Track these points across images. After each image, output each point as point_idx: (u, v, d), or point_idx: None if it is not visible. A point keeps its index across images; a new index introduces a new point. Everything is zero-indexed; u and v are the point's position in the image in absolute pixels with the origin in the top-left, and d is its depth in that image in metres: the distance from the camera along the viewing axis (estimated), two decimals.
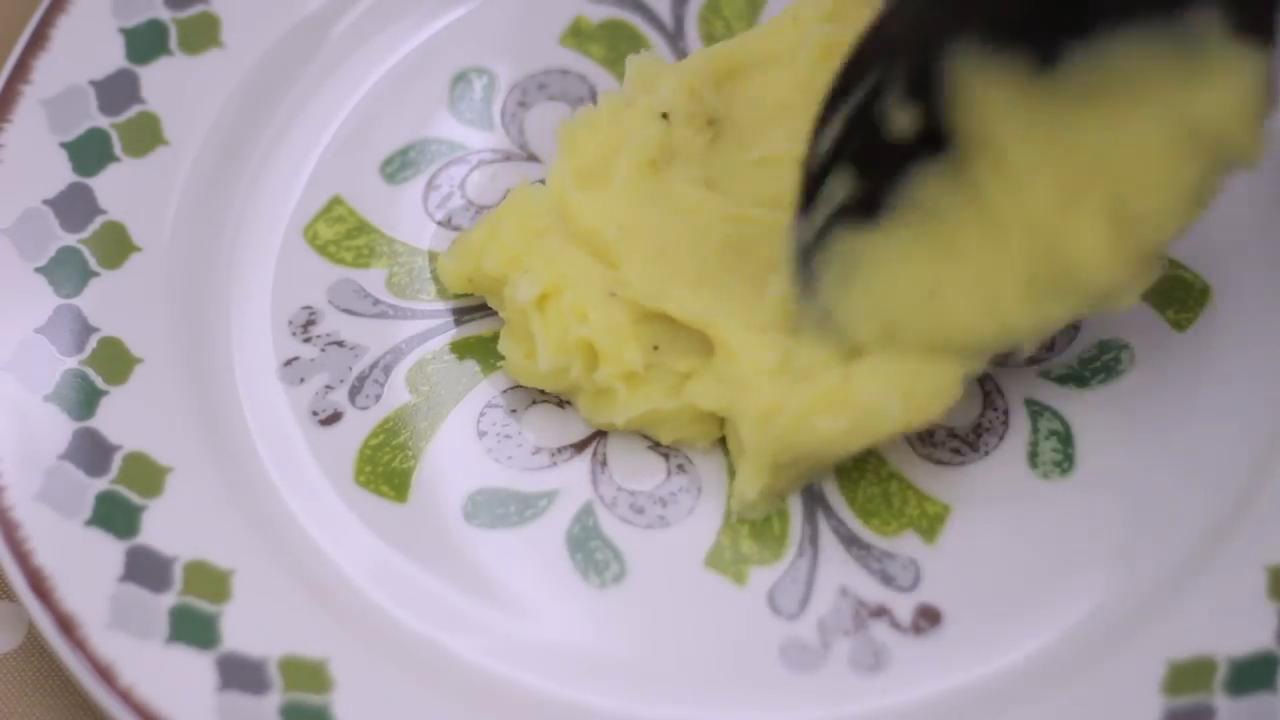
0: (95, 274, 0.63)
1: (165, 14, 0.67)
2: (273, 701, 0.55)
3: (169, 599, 0.57)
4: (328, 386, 0.63)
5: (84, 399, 0.60)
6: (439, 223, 0.66)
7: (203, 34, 0.67)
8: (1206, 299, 0.63)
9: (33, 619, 0.56)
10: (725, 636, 0.58)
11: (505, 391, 0.63)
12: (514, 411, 0.62)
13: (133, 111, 0.66)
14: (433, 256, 0.65)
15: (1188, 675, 0.55)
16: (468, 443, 0.62)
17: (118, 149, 0.65)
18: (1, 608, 0.61)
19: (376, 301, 0.64)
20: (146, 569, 0.57)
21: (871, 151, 0.56)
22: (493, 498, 0.61)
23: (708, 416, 0.61)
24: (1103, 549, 0.59)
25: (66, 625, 0.55)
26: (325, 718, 0.55)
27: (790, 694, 0.57)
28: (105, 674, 0.55)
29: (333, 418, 0.62)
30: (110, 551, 0.57)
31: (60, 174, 0.64)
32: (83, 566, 0.57)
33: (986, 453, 0.61)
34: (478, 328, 0.64)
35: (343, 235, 0.65)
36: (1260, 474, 0.60)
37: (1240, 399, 0.61)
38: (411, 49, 0.69)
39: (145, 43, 0.67)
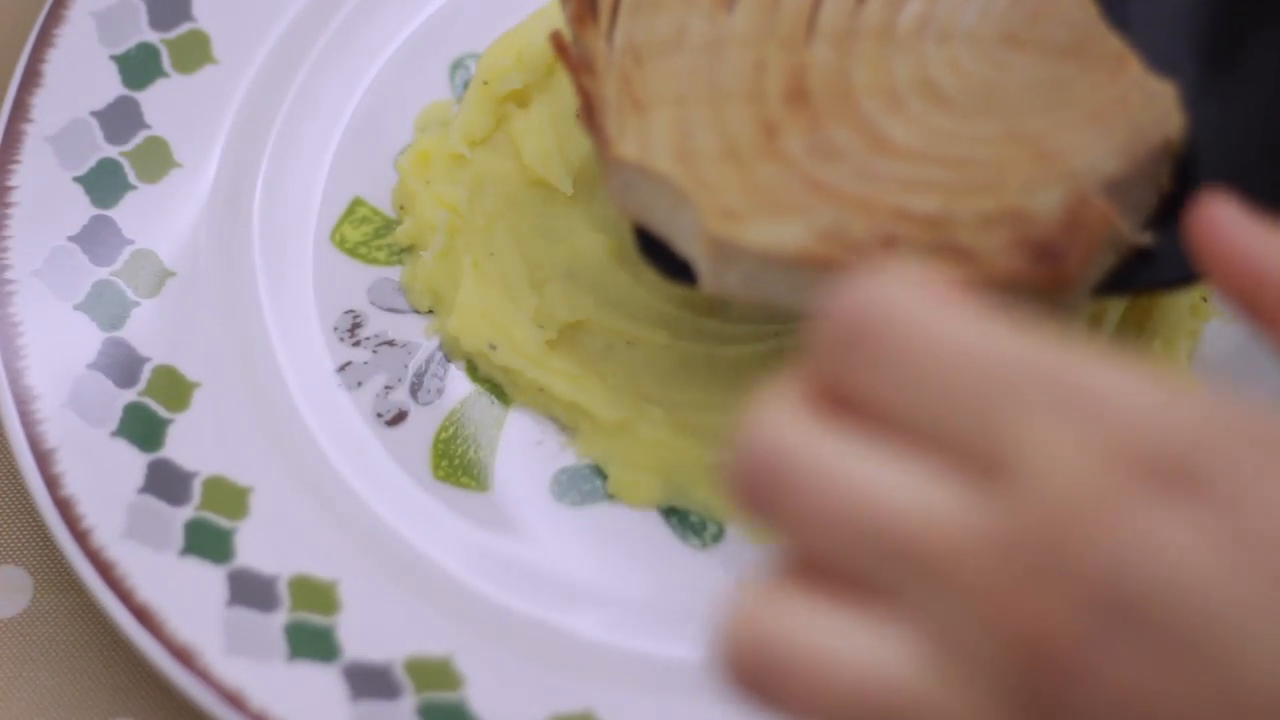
0: (135, 303, 0.63)
1: (154, 36, 0.67)
2: (408, 704, 0.56)
3: (280, 617, 0.58)
4: (387, 387, 0.63)
5: (148, 431, 0.61)
6: None
7: (195, 52, 0.67)
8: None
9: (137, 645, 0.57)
10: None
11: None
12: None
13: (140, 137, 0.66)
14: None
15: None
16: (540, 424, 0.62)
17: (132, 177, 0.65)
18: (6, 571, 0.62)
19: None
20: (250, 590, 0.58)
21: None
22: (576, 474, 0.61)
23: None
24: None
25: (184, 655, 0.57)
26: (462, 713, 0.56)
27: None
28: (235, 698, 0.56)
29: (398, 417, 0.62)
30: (212, 578, 0.58)
31: (80, 209, 0.64)
32: (187, 596, 0.58)
33: None
34: None
35: (370, 235, 0.66)
36: None
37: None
38: (407, 37, 0.69)
39: (139, 68, 0.67)
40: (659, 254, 0.57)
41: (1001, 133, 0.54)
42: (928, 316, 0.39)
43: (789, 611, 0.39)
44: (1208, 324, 0.62)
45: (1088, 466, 0.38)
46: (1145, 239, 0.54)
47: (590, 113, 0.56)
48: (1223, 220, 0.47)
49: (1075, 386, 0.39)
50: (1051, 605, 0.37)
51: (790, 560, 0.40)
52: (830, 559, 0.39)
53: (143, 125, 0.66)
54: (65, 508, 0.58)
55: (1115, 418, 0.38)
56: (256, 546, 0.59)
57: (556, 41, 0.57)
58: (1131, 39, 0.56)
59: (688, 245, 0.55)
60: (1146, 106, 0.54)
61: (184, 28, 0.67)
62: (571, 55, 0.57)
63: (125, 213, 0.64)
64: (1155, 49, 0.56)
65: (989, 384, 0.39)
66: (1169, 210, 0.54)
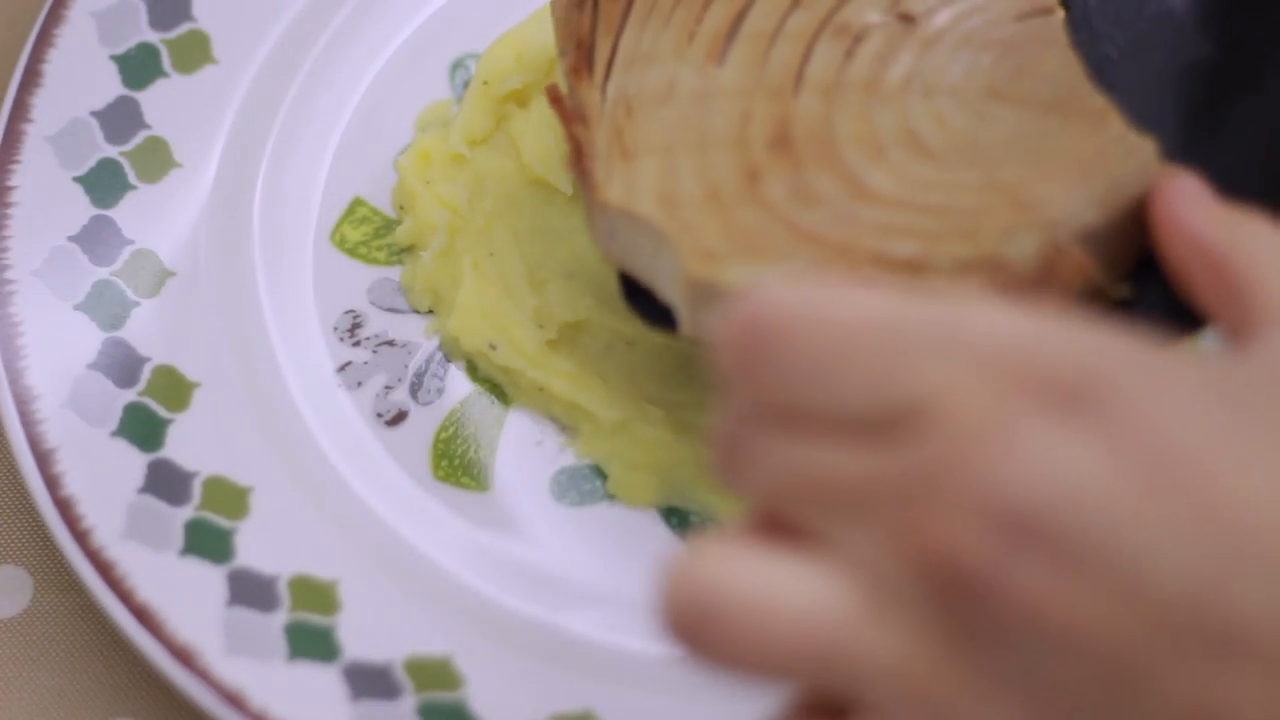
0: (135, 303, 0.63)
1: (154, 36, 0.67)
2: (408, 704, 0.56)
3: (280, 617, 0.58)
4: (387, 387, 0.63)
5: (148, 431, 0.61)
6: None
7: (195, 52, 0.67)
8: None
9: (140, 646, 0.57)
10: None
11: None
12: None
13: (140, 137, 0.66)
14: None
15: None
16: (540, 424, 0.62)
17: (132, 177, 0.65)
18: (6, 571, 0.62)
19: None
20: (251, 590, 0.58)
21: None
22: (576, 474, 0.62)
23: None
24: None
25: (185, 656, 0.57)
26: (462, 713, 0.56)
27: None
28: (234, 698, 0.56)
29: (398, 417, 0.62)
30: (212, 577, 0.58)
31: (80, 209, 0.64)
32: (187, 596, 0.58)
33: None
34: None
35: (370, 235, 0.66)
36: None
37: None
38: (407, 37, 0.69)
39: (139, 68, 0.67)
40: (643, 301, 0.57)
41: (981, 182, 0.55)
42: (804, 311, 0.42)
43: (726, 563, 0.41)
44: None
45: (980, 396, 0.40)
46: (1123, 291, 0.54)
47: (579, 160, 0.57)
48: (1181, 192, 0.51)
49: (958, 329, 0.41)
50: (956, 528, 0.39)
51: (749, 518, 0.43)
52: (778, 514, 0.42)
53: (143, 125, 0.66)
54: (65, 508, 0.58)
55: (1002, 351, 0.40)
56: (256, 546, 0.59)
57: (552, 93, 0.58)
58: (1118, 102, 0.57)
59: (668, 289, 0.56)
60: (1126, 160, 0.54)
61: (184, 28, 0.67)
62: (566, 106, 0.57)
63: (125, 213, 0.64)
64: (1141, 113, 0.57)
65: (876, 351, 0.41)
66: (1148, 266, 0.54)
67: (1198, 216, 0.50)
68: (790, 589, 0.41)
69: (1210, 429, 0.40)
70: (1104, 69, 0.58)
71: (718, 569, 0.41)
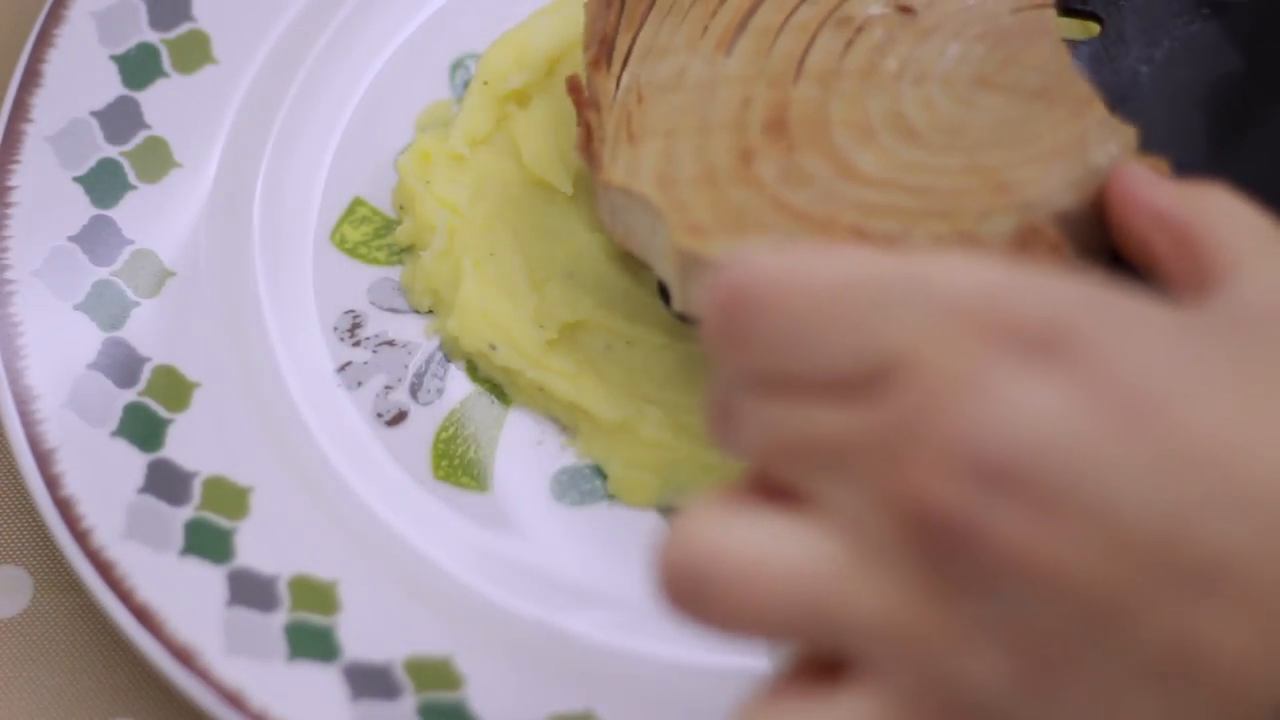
0: (135, 303, 0.63)
1: (154, 36, 0.67)
2: (408, 704, 0.56)
3: (280, 617, 0.58)
4: (387, 387, 0.63)
5: (148, 431, 0.61)
6: None
7: (195, 52, 0.67)
8: None
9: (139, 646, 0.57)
10: None
11: None
12: None
13: (140, 137, 0.66)
14: None
15: None
16: (540, 424, 0.63)
17: (132, 177, 0.65)
18: (5, 571, 0.62)
19: None
20: (251, 590, 0.58)
21: None
22: (576, 474, 0.62)
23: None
24: None
25: (184, 656, 0.57)
26: (462, 713, 0.56)
27: None
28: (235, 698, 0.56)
29: (398, 417, 0.62)
30: (212, 577, 0.58)
31: (80, 209, 0.64)
32: (187, 596, 0.58)
33: None
34: None
35: (370, 235, 0.66)
36: None
37: None
38: (407, 37, 0.69)
39: (139, 68, 0.67)
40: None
41: (963, 165, 0.56)
42: (780, 277, 0.42)
43: (718, 526, 0.42)
44: None
45: (953, 347, 0.40)
46: (1098, 273, 0.55)
47: (588, 142, 0.59)
48: (1137, 175, 0.52)
49: (930, 283, 0.42)
50: (933, 477, 0.40)
51: (742, 481, 0.43)
52: (770, 476, 0.43)
53: (143, 125, 0.66)
54: (65, 508, 0.58)
55: (974, 301, 0.41)
56: (256, 546, 0.59)
57: (571, 83, 0.60)
58: (1147, 116, 0.58)
59: (661, 265, 0.57)
60: (1104, 145, 0.55)
61: (184, 28, 0.67)
62: (583, 94, 0.59)
63: (125, 213, 0.64)
64: (1170, 126, 0.58)
65: (851, 310, 0.42)
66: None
67: (1157, 193, 0.51)
68: (779, 548, 0.41)
69: (1180, 371, 0.40)
70: (1135, 83, 0.59)
71: (709, 533, 0.42)
